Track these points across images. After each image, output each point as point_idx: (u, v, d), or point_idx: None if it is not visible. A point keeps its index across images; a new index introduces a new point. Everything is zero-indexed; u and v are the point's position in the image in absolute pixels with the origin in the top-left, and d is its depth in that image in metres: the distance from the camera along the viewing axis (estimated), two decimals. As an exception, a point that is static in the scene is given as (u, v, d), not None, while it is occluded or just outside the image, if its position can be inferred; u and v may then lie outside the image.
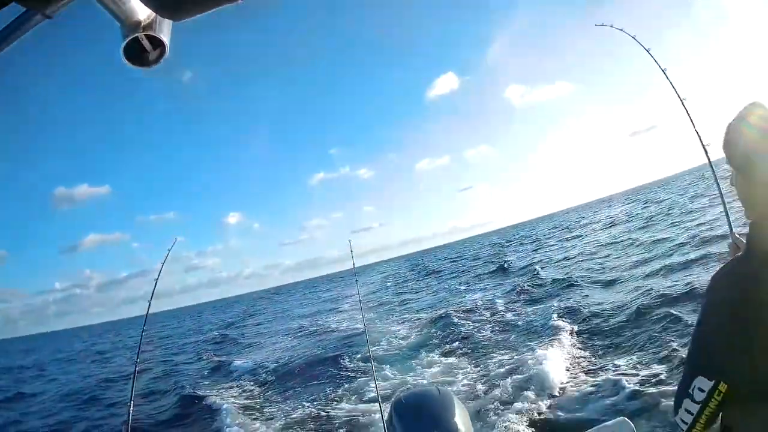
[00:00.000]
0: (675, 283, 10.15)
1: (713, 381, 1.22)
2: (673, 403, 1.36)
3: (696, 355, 1.36)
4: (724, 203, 2.95)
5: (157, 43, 0.82)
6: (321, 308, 27.92)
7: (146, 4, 0.72)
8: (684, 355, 6.62)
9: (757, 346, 1.19)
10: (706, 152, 3.20)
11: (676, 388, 1.37)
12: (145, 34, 0.79)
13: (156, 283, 4.16)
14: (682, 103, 3.32)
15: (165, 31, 0.82)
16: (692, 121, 3.29)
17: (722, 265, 1.35)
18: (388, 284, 33.26)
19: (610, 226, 29.40)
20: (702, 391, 1.24)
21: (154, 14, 0.78)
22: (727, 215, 2.78)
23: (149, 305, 4.02)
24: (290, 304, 38.62)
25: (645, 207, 35.60)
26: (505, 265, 23.54)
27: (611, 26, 3.98)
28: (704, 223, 16.46)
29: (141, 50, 0.82)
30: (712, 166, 3.18)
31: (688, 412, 1.27)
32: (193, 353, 19.70)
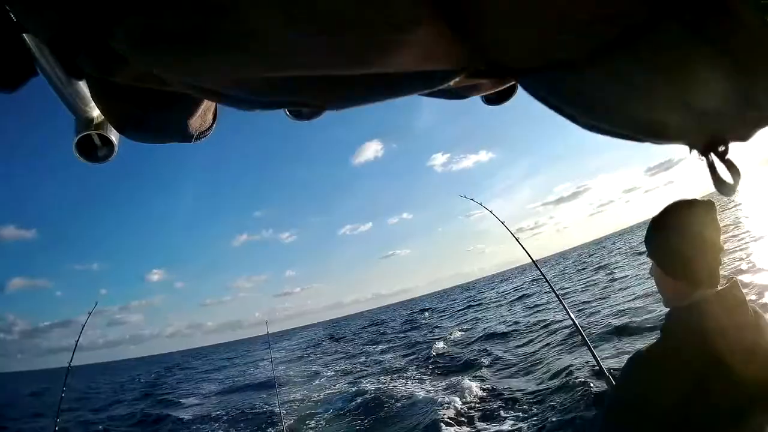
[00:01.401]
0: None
1: None
2: None
3: (605, 426, 1.45)
4: (596, 358, 2.99)
5: (107, 141, 0.82)
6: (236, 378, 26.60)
7: (103, 114, 0.74)
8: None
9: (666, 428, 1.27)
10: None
11: None
12: (96, 133, 0.79)
13: (72, 356, 4.06)
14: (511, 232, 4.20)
15: (116, 131, 0.80)
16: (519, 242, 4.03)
17: (638, 349, 1.44)
18: (307, 351, 32.55)
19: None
20: None
21: None
22: (597, 360, 2.89)
23: (64, 385, 3.86)
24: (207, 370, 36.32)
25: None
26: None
27: (472, 200, 4.92)
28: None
29: (91, 145, 0.82)
30: (568, 312, 3.47)
31: None
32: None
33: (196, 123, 0.70)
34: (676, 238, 1.42)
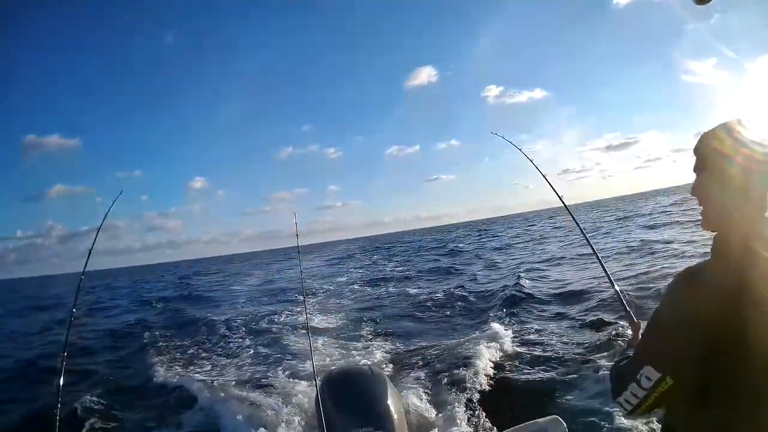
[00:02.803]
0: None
1: (661, 373, 1.30)
2: (612, 384, 1.46)
3: (649, 345, 1.41)
4: (613, 283, 2.75)
5: None
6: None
7: None
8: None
9: (708, 354, 1.24)
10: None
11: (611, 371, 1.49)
12: None
13: (96, 236, 4.15)
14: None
15: None
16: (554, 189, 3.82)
17: (687, 267, 1.37)
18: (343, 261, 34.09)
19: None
20: (649, 379, 1.31)
21: None
22: (620, 297, 2.66)
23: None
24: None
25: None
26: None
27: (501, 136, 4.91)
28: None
29: None
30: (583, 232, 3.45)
31: (634, 395, 1.36)
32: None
33: None
34: (725, 149, 1.33)
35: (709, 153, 1.37)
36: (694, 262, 1.40)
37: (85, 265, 4.02)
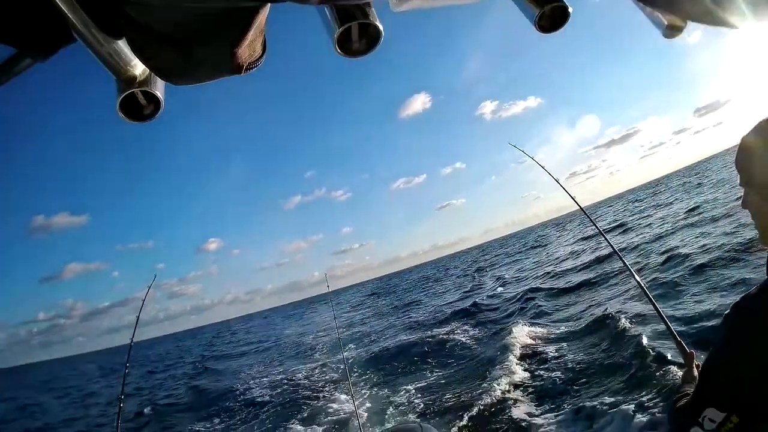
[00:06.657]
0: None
1: (725, 413, 1.18)
2: (673, 428, 1.38)
3: (709, 384, 1.29)
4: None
5: (152, 98, 0.81)
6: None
7: (147, 66, 0.74)
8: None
9: None
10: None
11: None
12: (140, 90, 0.78)
13: (135, 330, 4.28)
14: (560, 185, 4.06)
15: (160, 87, 0.80)
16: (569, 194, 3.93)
17: (745, 294, 1.26)
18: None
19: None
20: (713, 421, 1.20)
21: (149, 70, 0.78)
22: (666, 323, 2.49)
23: (129, 352, 4.10)
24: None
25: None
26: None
27: (523, 151, 4.88)
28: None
29: (136, 104, 0.81)
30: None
31: None
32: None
33: (244, 53, 0.69)
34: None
35: (752, 166, 1.25)
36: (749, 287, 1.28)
37: (129, 353, 4.14)
